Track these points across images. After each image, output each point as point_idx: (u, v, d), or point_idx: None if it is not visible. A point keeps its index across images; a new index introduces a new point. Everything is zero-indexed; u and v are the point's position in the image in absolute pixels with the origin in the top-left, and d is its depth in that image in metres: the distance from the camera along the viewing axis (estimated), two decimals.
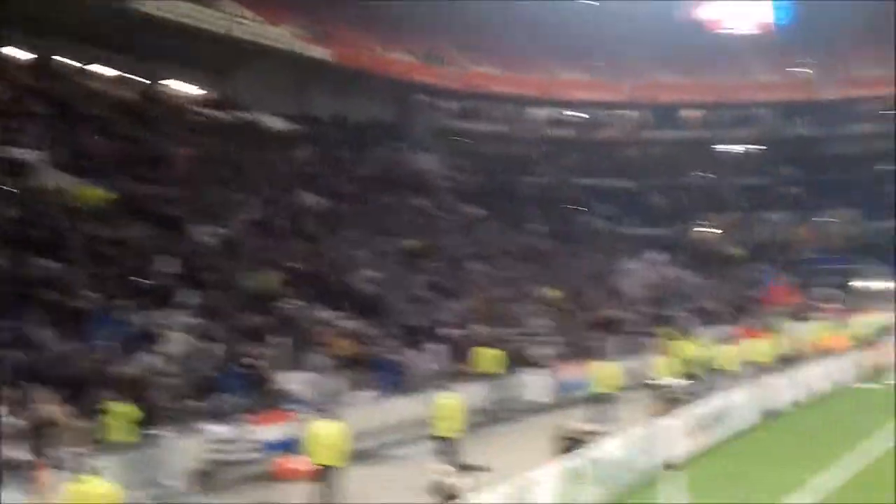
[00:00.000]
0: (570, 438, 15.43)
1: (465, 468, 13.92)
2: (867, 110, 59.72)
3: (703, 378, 25.58)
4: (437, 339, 27.64)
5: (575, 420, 17.06)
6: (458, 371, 25.43)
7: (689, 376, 24.00)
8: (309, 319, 25.80)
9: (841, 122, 59.88)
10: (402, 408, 22.62)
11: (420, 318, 29.20)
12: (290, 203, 35.35)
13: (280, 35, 46.36)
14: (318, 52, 48.33)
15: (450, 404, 18.08)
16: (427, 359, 26.34)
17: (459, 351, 27.14)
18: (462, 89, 56.11)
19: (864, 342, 35.79)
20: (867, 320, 39.27)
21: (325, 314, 26.85)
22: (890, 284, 48.52)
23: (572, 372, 28.24)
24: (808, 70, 60.86)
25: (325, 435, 15.06)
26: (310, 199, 36.70)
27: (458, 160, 52.14)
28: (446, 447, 17.31)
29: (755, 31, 61.84)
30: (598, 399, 23.06)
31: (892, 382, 29.46)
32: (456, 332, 28.68)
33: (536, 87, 58.58)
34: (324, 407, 16.88)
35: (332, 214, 36.22)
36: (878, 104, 58.68)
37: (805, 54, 60.67)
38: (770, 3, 61.79)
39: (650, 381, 22.80)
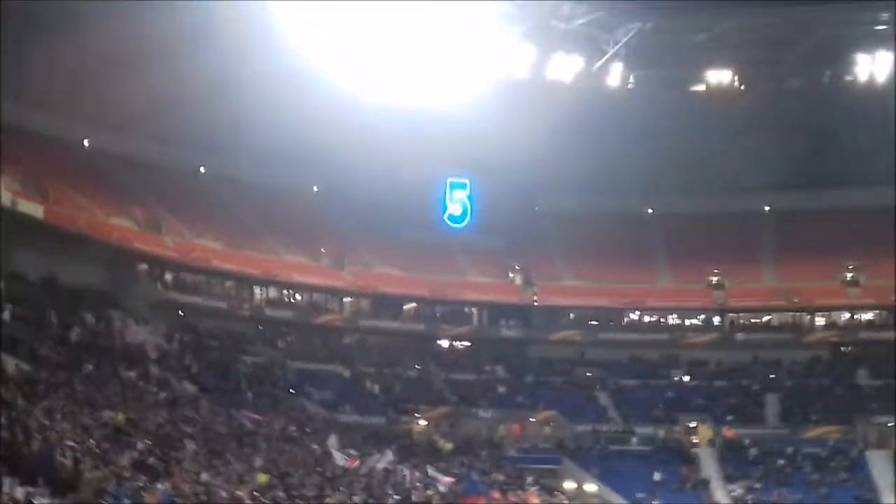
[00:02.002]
0: None
1: None
2: (573, 318, 63.94)
3: None
4: None
5: None
6: None
7: None
8: None
9: (546, 327, 63.27)
10: None
11: (124, 499, 27.12)
12: None
13: None
14: (29, 208, 46.13)
15: None
16: None
17: None
18: (182, 261, 54.97)
19: None
20: None
21: (18, 491, 24.41)
22: (593, 486, 50.70)
23: None
24: (518, 275, 64.78)
25: None
26: (9, 363, 34.04)
27: (173, 333, 50.36)
28: None
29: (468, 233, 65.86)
30: None
31: None
32: None
33: (258, 266, 58.28)
34: None
35: (33, 381, 33.64)
36: (584, 313, 63.30)
37: (517, 261, 64.74)
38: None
39: None
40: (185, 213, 58.08)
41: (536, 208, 68.40)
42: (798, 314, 62.78)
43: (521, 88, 57.87)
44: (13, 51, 46.72)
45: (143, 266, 53.83)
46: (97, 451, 30.13)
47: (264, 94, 54.33)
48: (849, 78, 58.31)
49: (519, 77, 57.25)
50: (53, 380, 34.81)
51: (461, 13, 53.39)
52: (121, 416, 34.49)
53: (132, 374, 41.29)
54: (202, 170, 61.45)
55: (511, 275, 65.53)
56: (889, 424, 54.59)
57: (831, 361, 61.53)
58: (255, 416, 44.22)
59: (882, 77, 56.59)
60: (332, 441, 43.25)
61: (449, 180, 66.57)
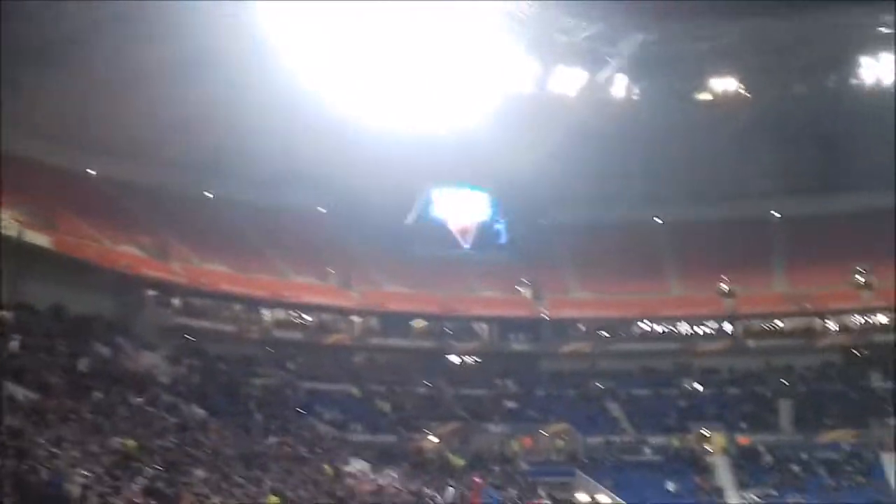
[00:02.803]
0: None
1: None
2: (583, 330, 63.83)
3: None
4: None
5: None
6: None
7: None
8: None
9: (556, 340, 63.17)
10: None
11: None
12: None
13: None
14: (37, 238, 46.47)
15: None
16: None
17: None
18: (190, 286, 55.16)
19: None
20: None
21: None
22: (606, 498, 50.57)
23: None
24: (526, 289, 64.72)
25: None
26: (18, 392, 34.22)
27: (182, 358, 50.57)
28: None
29: (476, 249, 65.88)
30: None
31: None
32: None
33: (266, 288, 58.41)
34: None
35: (41, 410, 33.79)
36: (594, 324, 63.17)
37: (525, 275, 64.71)
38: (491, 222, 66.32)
39: None
40: (192, 238, 58.33)
41: (543, 221, 68.38)
42: (810, 319, 62.45)
43: (525, 103, 57.99)
44: (13, 82, 46.97)
45: (151, 292, 54.11)
46: (107, 478, 30.24)
47: (268, 117, 54.55)
48: (854, 82, 58.19)
49: (523, 92, 57.41)
50: (62, 408, 34.95)
51: (462, 30, 53.56)
52: (131, 443, 34.61)
53: (141, 400, 41.42)
54: (208, 194, 61.65)
55: (519, 288, 65.47)
56: None
57: (844, 365, 61.21)
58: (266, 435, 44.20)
59: (888, 80, 56.50)
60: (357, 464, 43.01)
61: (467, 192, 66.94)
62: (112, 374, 42.46)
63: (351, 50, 54.00)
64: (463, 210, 66.82)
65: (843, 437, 54.88)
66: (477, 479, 44.81)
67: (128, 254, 53.16)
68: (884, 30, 55.63)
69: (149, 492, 31.22)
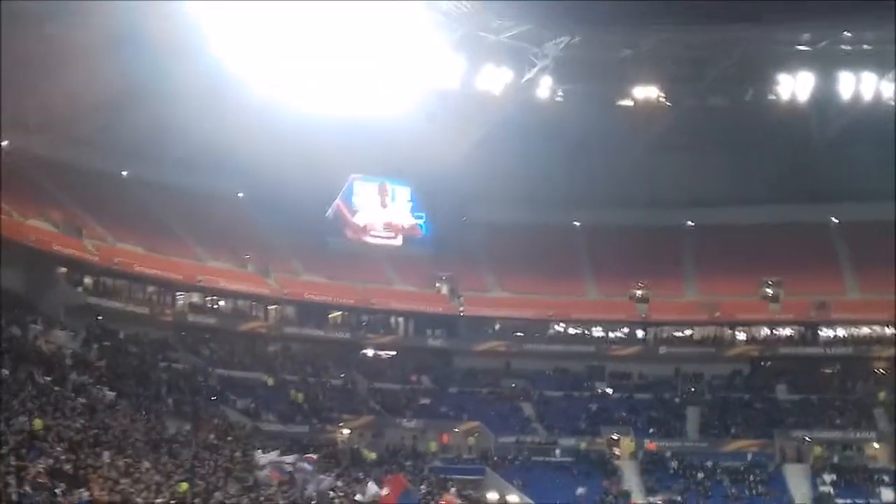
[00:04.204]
0: None
1: None
2: (499, 329, 63.98)
3: None
4: None
5: None
6: None
7: None
8: None
9: (472, 338, 63.30)
10: None
11: None
12: None
13: None
14: None
15: None
16: None
17: None
18: (103, 265, 53.77)
19: None
20: None
21: None
22: (515, 498, 50.80)
23: None
24: (444, 285, 64.72)
25: None
26: None
27: (92, 338, 49.25)
28: None
29: (398, 242, 65.53)
30: None
31: None
32: None
33: (182, 272, 57.30)
34: None
35: None
36: (510, 324, 63.39)
37: (444, 271, 64.68)
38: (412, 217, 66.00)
39: None
40: (107, 217, 56.81)
41: (464, 218, 68.40)
42: (719, 328, 63.60)
43: (451, 99, 58.01)
44: None
45: (62, 270, 52.62)
46: (12, 458, 29.33)
47: (189, 99, 53.47)
48: (771, 97, 59.40)
49: (449, 87, 57.40)
50: None
51: (391, 23, 53.34)
52: (37, 422, 33.63)
53: (48, 379, 40.26)
54: (124, 174, 60.12)
55: (437, 284, 65.44)
56: (806, 439, 55.64)
57: (751, 375, 62.49)
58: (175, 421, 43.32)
59: (803, 96, 57.80)
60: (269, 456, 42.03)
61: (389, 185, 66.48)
62: (19, 351, 41.15)
63: (278, 36, 53.35)
64: (384, 203, 66.46)
65: (748, 446, 56.04)
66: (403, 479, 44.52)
67: (39, 228, 51.53)
68: (801, 48, 57.06)
69: (54, 473, 30.40)
